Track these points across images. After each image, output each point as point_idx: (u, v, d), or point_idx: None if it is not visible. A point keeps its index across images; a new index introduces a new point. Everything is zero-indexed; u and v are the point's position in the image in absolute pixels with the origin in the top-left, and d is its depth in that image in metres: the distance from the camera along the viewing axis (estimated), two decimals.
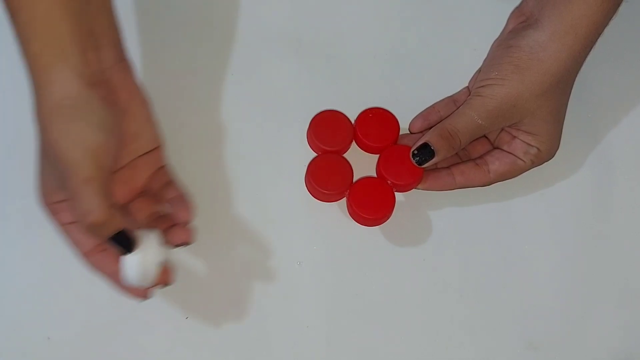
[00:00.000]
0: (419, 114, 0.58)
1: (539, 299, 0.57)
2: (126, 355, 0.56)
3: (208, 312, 0.57)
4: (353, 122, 0.59)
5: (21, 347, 0.56)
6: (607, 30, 0.60)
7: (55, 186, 0.49)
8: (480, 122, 0.53)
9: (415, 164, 0.54)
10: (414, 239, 0.58)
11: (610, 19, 0.53)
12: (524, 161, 0.55)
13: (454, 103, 0.58)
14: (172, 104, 0.60)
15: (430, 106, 0.58)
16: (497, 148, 0.56)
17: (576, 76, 0.54)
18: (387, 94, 0.60)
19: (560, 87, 0.54)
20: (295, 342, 0.56)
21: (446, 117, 0.55)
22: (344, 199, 0.58)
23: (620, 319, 0.57)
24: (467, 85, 0.59)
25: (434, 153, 0.54)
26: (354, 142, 0.59)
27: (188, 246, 0.52)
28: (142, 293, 0.51)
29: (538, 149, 0.55)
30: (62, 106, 0.45)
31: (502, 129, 0.56)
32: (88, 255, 0.51)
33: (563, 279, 0.58)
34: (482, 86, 0.54)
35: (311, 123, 0.59)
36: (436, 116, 0.58)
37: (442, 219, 0.58)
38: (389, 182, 0.57)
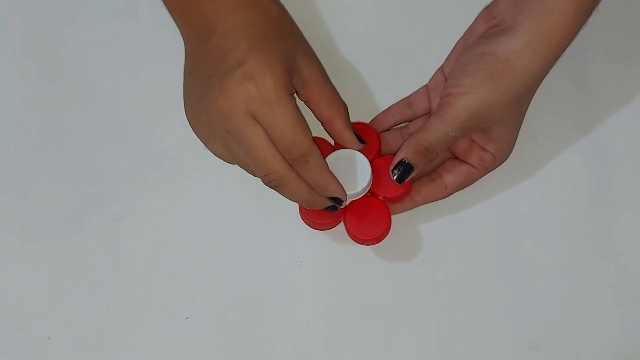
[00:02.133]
0: (374, 118, 0.59)
1: (540, 299, 0.57)
2: (126, 355, 0.56)
3: (208, 312, 0.57)
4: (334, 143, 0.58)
5: (21, 347, 0.56)
6: (608, 30, 0.60)
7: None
8: (453, 134, 0.53)
9: (396, 182, 0.54)
10: (414, 239, 0.58)
11: (580, 29, 0.52)
12: (477, 169, 0.55)
13: (409, 107, 0.58)
14: (172, 105, 0.60)
15: (386, 110, 0.59)
16: (452, 157, 0.56)
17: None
18: (386, 94, 0.60)
19: (527, 96, 0.53)
20: (295, 342, 0.56)
21: (417, 130, 0.54)
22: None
23: (620, 319, 0.57)
24: (427, 84, 0.59)
25: (412, 168, 0.54)
26: None
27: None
28: (344, 196, 0.54)
29: (493, 155, 0.54)
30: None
31: None
32: (314, 142, 0.51)
33: (563, 279, 0.57)
34: (453, 94, 0.53)
35: None
36: (391, 121, 0.58)
37: (442, 219, 0.58)
38: (380, 197, 0.56)
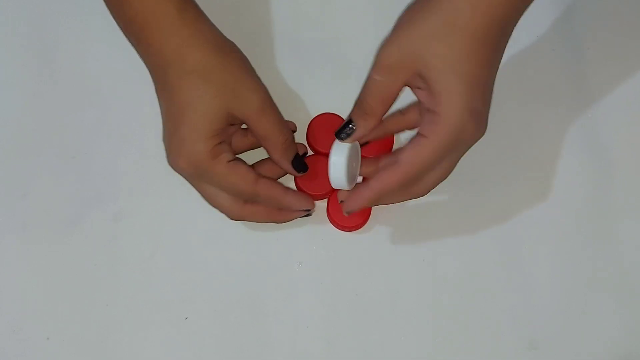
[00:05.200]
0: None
1: (539, 299, 0.57)
2: (125, 355, 0.56)
3: (208, 312, 0.57)
4: None
5: (21, 347, 0.56)
6: (608, 30, 0.60)
7: (219, 128, 0.52)
8: (377, 77, 0.50)
9: (339, 140, 0.53)
10: (413, 239, 0.58)
11: None
12: (428, 138, 0.48)
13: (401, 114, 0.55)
14: None
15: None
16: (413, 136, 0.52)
17: (502, 41, 0.49)
18: None
19: (467, 35, 0.47)
20: (295, 342, 0.56)
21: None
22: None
23: (620, 319, 0.57)
24: None
25: (350, 122, 0.52)
26: None
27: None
28: (309, 204, 0.56)
29: (440, 116, 0.47)
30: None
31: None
32: (257, 183, 0.53)
33: (563, 279, 0.58)
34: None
35: (309, 125, 0.59)
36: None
37: (442, 219, 0.58)
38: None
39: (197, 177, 0.53)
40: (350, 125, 0.53)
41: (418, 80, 0.49)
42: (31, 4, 0.63)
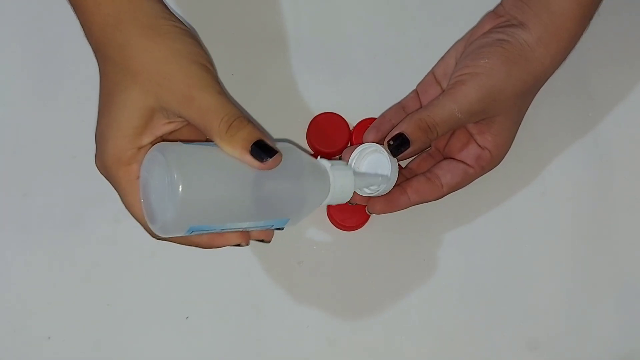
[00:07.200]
0: (371, 125, 0.56)
1: (539, 299, 0.57)
2: (126, 355, 0.56)
3: (208, 312, 0.57)
4: (353, 123, 0.59)
5: (21, 347, 0.56)
6: (607, 30, 0.60)
7: (143, 124, 0.46)
8: (459, 116, 0.51)
9: (390, 154, 0.52)
10: (414, 239, 0.58)
11: (583, 32, 0.53)
12: (474, 168, 0.54)
13: (403, 110, 0.57)
14: None
15: (381, 116, 0.57)
16: (447, 158, 0.55)
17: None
18: (387, 94, 0.60)
19: (533, 92, 0.54)
20: (295, 342, 0.56)
21: (423, 108, 0.53)
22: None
23: (620, 319, 0.57)
24: (416, 88, 0.58)
25: (409, 143, 0.51)
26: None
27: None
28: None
29: (491, 153, 0.53)
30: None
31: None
32: None
33: (563, 279, 0.58)
34: (466, 73, 0.52)
35: (310, 124, 0.59)
36: (388, 125, 0.55)
37: (442, 219, 0.58)
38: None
39: (110, 182, 0.47)
40: (406, 140, 0.51)
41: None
42: (32, 4, 0.63)
